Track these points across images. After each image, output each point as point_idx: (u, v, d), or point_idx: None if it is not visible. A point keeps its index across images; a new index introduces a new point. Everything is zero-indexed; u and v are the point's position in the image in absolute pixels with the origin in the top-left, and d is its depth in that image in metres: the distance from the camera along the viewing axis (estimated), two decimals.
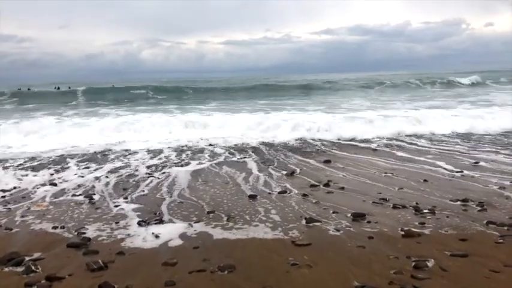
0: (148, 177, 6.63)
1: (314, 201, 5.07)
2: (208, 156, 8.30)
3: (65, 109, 20.15)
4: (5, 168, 7.44)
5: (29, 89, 31.43)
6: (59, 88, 31.26)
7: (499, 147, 8.39)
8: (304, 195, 5.34)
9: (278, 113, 15.21)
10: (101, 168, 7.36)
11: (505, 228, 3.96)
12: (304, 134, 10.58)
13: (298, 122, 11.78)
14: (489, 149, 8.24)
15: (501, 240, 3.65)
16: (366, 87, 31.58)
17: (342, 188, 5.65)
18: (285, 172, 6.73)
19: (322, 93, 27.80)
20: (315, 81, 34.53)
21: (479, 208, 4.62)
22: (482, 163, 6.97)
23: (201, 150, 8.88)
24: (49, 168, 7.45)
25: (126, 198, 5.46)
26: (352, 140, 9.92)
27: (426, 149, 8.60)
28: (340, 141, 9.75)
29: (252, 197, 5.30)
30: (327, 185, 5.83)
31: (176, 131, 11.61)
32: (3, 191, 5.93)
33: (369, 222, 4.25)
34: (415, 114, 13.09)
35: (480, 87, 31.38)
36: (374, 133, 10.47)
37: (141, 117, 14.08)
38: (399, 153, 8.13)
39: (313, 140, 10.04)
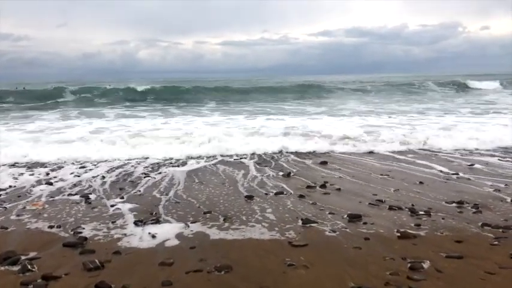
0: (144, 177, 6.62)
1: (310, 202, 5.09)
2: (205, 156, 8.29)
3: (57, 111, 20.10)
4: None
5: (24, 88, 31.24)
6: (54, 88, 30.93)
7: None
8: (301, 196, 5.35)
9: (284, 117, 14.56)
10: (97, 167, 7.34)
11: (500, 230, 3.99)
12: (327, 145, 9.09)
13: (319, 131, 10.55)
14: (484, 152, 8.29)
15: (496, 242, 3.68)
16: (366, 89, 31.34)
17: (338, 189, 5.67)
18: (281, 173, 6.74)
19: (322, 95, 27.77)
20: (314, 83, 34.39)
21: (474, 210, 4.65)
22: (477, 165, 7.01)
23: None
24: (45, 167, 7.42)
25: (122, 198, 5.45)
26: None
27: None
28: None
29: (249, 198, 5.31)
30: (323, 186, 5.85)
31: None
32: None
33: (365, 223, 4.27)
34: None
35: (474, 89, 31.55)
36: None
37: (131, 122, 13.50)
38: (395, 156, 8.16)
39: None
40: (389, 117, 14.24)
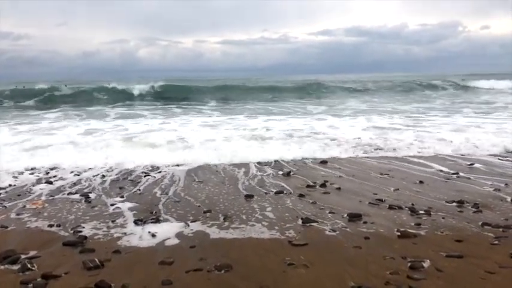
0: (144, 176, 6.61)
1: (310, 201, 5.08)
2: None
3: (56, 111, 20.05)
4: None
5: (24, 87, 31.10)
6: (55, 86, 30.59)
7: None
8: (301, 195, 5.35)
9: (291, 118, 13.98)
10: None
11: (500, 229, 3.99)
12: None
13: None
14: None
15: (496, 242, 3.68)
16: (366, 88, 31.03)
17: (338, 189, 5.67)
18: (281, 172, 6.73)
19: (322, 94, 27.70)
20: (314, 82, 34.19)
21: (474, 210, 4.65)
22: (477, 165, 7.01)
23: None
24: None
25: (122, 196, 5.45)
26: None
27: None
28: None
29: (249, 197, 5.30)
30: (323, 185, 5.84)
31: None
32: None
33: (365, 222, 4.27)
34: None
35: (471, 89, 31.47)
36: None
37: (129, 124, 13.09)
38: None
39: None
40: (392, 117, 13.92)
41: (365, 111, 16.49)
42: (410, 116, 14.23)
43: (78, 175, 6.70)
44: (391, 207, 4.76)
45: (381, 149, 8.53)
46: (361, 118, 13.78)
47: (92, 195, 5.52)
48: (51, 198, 5.45)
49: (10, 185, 6.09)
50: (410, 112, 15.92)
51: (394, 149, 8.42)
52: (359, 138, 9.49)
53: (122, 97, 24.97)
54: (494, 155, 7.83)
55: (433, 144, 8.71)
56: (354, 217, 4.40)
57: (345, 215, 4.47)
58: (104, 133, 10.84)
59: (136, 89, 26.97)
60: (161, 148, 8.47)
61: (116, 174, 6.74)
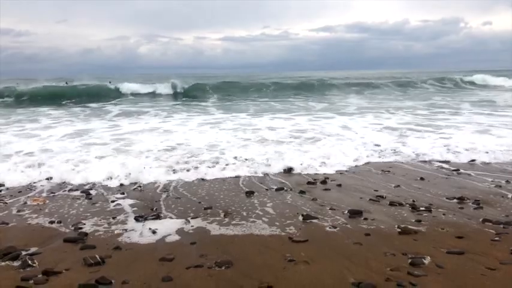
0: None
1: (311, 198, 5.08)
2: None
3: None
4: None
5: (26, 85, 30.89)
6: (66, 83, 30.19)
7: None
8: (302, 192, 5.35)
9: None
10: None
11: (501, 226, 3.99)
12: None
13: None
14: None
15: (497, 238, 3.67)
16: (369, 85, 30.45)
17: (339, 185, 5.66)
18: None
19: (325, 91, 27.45)
20: (316, 79, 33.96)
21: (475, 206, 4.64)
22: (478, 162, 6.99)
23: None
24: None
25: (123, 193, 5.45)
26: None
27: None
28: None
29: (249, 194, 5.30)
30: (324, 182, 5.84)
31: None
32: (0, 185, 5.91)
33: (365, 219, 4.27)
34: None
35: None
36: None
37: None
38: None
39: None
40: (402, 116, 13.24)
41: (371, 109, 16.01)
42: (419, 114, 13.87)
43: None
44: (391, 204, 4.76)
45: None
46: (370, 116, 13.19)
47: (93, 192, 5.53)
48: (52, 194, 5.46)
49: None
50: (414, 108, 15.72)
51: (427, 161, 7.16)
52: (379, 146, 8.23)
53: (124, 94, 24.88)
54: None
55: (469, 154, 7.41)
56: (355, 214, 4.39)
57: (346, 212, 4.47)
58: (92, 135, 10.00)
59: (142, 87, 26.79)
60: (149, 159, 7.10)
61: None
